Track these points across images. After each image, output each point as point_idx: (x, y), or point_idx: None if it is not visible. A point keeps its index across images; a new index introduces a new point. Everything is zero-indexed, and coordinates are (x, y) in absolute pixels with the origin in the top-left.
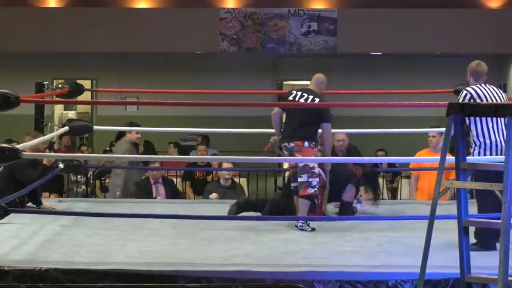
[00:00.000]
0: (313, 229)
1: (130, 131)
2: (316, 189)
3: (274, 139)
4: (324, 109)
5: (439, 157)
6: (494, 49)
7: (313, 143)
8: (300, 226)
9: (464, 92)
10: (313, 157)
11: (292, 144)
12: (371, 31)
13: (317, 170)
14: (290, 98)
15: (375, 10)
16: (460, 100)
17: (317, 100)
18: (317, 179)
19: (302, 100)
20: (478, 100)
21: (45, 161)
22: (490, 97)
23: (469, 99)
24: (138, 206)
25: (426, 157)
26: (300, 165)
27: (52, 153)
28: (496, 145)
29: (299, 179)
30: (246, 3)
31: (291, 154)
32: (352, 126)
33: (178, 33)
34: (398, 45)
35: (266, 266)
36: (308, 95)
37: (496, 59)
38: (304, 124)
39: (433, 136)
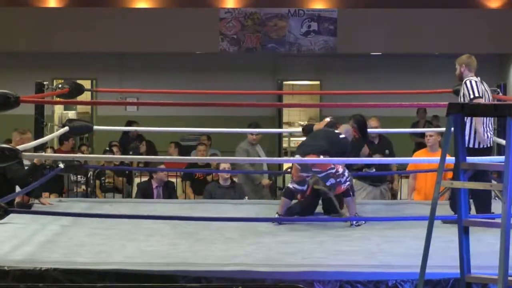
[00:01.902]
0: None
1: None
2: (348, 183)
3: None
4: (347, 145)
5: (434, 158)
6: (494, 49)
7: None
8: (356, 223)
9: (472, 81)
10: (316, 159)
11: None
12: (371, 31)
13: (341, 169)
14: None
15: (375, 10)
16: (472, 88)
17: (342, 135)
18: (345, 176)
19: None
20: (482, 92)
21: (35, 160)
22: (486, 91)
23: (477, 87)
24: (138, 206)
25: (423, 158)
26: (321, 175)
27: (52, 154)
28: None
29: (328, 183)
30: (246, 3)
31: (306, 168)
32: None
33: (178, 33)
34: (398, 45)
35: (266, 266)
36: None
37: (496, 59)
38: (321, 143)
39: (430, 136)
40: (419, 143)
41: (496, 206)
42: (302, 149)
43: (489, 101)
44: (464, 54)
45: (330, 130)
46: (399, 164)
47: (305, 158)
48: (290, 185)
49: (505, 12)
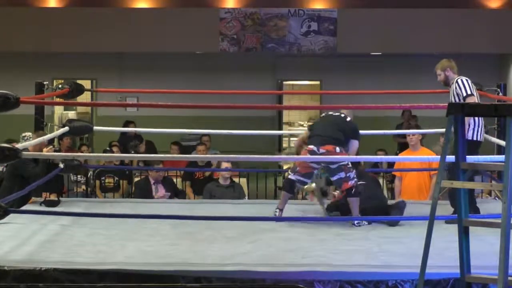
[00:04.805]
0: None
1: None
2: (355, 179)
3: (310, 188)
4: (356, 127)
5: (415, 157)
6: (494, 49)
7: (344, 148)
8: (357, 223)
9: (464, 79)
10: (310, 156)
11: (322, 150)
12: (371, 31)
13: (350, 163)
14: (323, 114)
15: (375, 10)
16: (467, 86)
17: (348, 118)
18: (354, 172)
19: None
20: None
21: (44, 150)
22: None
23: (469, 85)
24: (138, 206)
25: (408, 156)
26: (333, 166)
27: (52, 153)
28: (478, 125)
29: (336, 177)
30: (246, 3)
31: (319, 159)
32: None
33: (178, 33)
34: (398, 45)
35: (266, 265)
36: (339, 112)
37: (496, 59)
38: (336, 131)
39: (413, 135)
40: (402, 144)
41: (496, 206)
42: (317, 141)
43: (478, 100)
44: (443, 59)
45: (335, 116)
46: None
47: (320, 153)
48: (293, 177)
49: (505, 12)
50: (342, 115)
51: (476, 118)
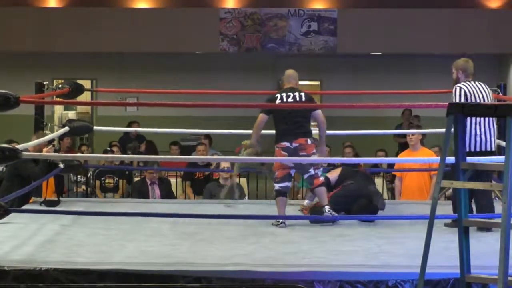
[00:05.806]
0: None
1: None
2: (322, 177)
3: (248, 143)
4: (311, 97)
5: (420, 157)
6: (494, 49)
7: (313, 139)
8: (328, 211)
9: (458, 88)
10: (317, 157)
11: (295, 144)
12: (371, 31)
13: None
14: (279, 101)
15: (375, 10)
16: (457, 96)
17: (303, 94)
18: (321, 168)
19: (291, 100)
20: (470, 96)
21: (44, 151)
22: (480, 93)
23: (464, 94)
24: (138, 206)
25: (408, 158)
26: (305, 162)
27: (52, 153)
28: (477, 137)
29: (307, 175)
30: (246, 3)
31: (294, 154)
32: (353, 126)
33: (178, 33)
34: (398, 45)
35: (266, 266)
36: (293, 93)
37: (496, 59)
38: (303, 122)
39: (412, 135)
40: (403, 143)
41: (496, 206)
42: (289, 137)
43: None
44: (461, 58)
45: (298, 101)
46: None
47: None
48: (278, 187)
49: (505, 12)
50: (302, 94)
51: (482, 125)
